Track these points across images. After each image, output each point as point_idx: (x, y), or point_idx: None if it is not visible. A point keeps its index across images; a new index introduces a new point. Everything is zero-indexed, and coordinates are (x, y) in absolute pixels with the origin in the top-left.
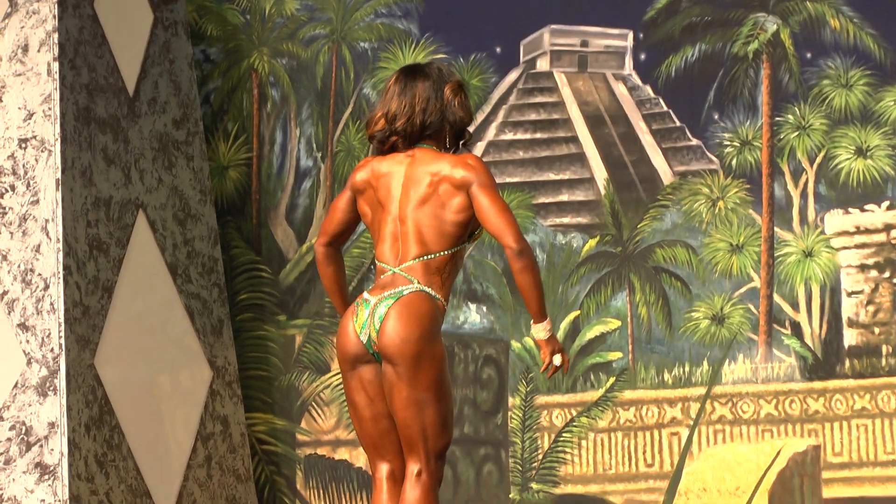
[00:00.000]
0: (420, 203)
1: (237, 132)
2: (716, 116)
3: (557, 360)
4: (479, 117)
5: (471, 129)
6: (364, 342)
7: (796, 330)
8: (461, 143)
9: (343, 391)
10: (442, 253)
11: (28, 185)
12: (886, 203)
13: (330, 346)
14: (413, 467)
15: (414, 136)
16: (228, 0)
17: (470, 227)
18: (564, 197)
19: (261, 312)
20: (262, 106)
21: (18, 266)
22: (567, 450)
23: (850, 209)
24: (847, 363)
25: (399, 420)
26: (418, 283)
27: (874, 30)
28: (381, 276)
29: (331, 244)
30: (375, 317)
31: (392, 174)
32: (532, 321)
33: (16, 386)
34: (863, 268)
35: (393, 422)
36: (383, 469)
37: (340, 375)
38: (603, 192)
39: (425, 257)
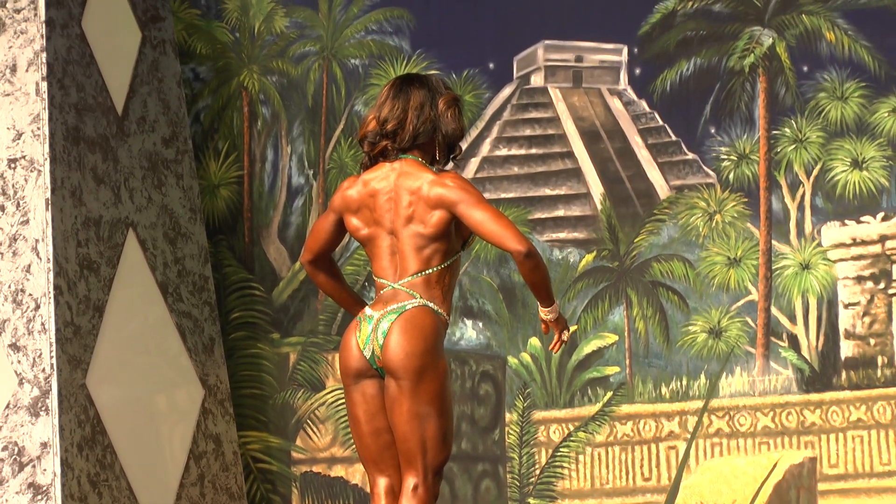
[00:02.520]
0: (406, 221)
1: (228, 150)
2: (712, 130)
3: (566, 335)
4: (473, 133)
5: (463, 145)
6: (367, 357)
7: (793, 342)
8: (452, 157)
9: (338, 408)
10: (439, 267)
11: (18, 206)
12: (882, 214)
13: (325, 364)
14: (410, 481)
15: (403, 143)
16: (218, 18)
17: (454, 240)
18: (561, 212)
19: (254, 331)
20: (253, 124)
21: (9, 286)
22: (564, 465)
23: (846, 221)
24: (844, 375)
25: (399, 434)
26: (420, 297)
27: (869, 42)
28: (382, 292)
29: (315, 260)
30: (378, 332)
31: (382, 189)
32: (541, 306)
33: (8, 406)
34: (859, 279)
35: (393, 437)
36: (382, 484)
37: (338, 392)
38: (599, 207)
39: (425, 272)
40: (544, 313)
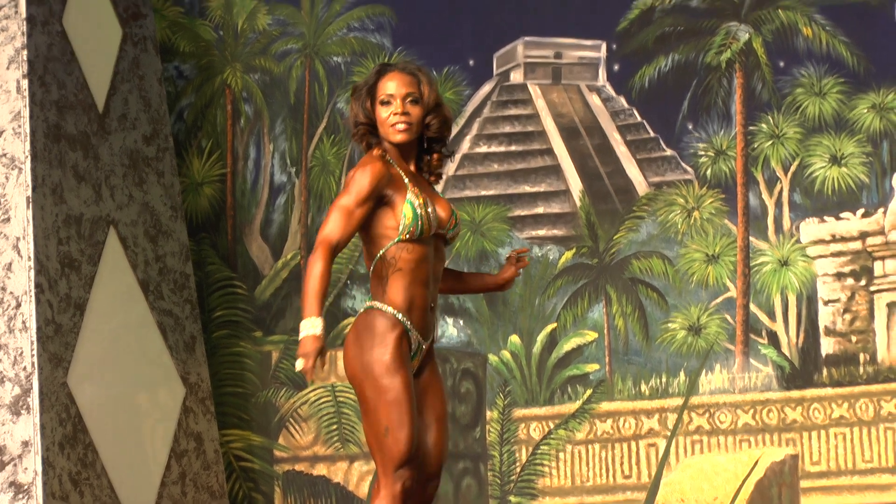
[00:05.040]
0: None
1: (211, 148)
2: (690, 126)
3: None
4: (454, 130)
5: (354, 134)
6: None
7: (773, 339)
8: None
9: (321, 407)
10: (375, 260)
11: None
12: (861, 211)
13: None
14: (377, 481)
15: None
16: (201, 16)
17: (377, 229)
18: (540, 209)
19: (236, 329)
20: (236, 121)
21: None
22: (545, 462)
23: (825, 217)
24: (824, 372)
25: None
26: (370, 297)
27: (847, 37)
28: None
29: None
30: None
31: None
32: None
33: None
34: (839, 276)
35: None
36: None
37: (320, 391)
38: (578, 203)
39: (370, 269)
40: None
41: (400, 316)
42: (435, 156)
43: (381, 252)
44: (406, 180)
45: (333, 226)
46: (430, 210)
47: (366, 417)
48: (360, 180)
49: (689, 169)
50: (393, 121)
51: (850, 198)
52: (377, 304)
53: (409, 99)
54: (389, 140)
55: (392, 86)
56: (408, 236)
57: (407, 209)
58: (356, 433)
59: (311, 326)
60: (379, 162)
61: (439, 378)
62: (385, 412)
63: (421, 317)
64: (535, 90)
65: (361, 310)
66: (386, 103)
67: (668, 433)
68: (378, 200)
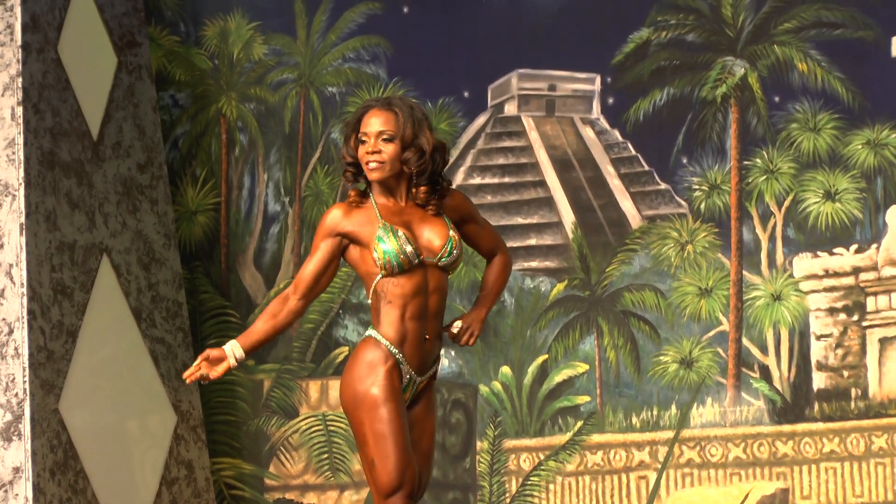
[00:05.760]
0: None
1: (206, 177)
2: (684, 160)
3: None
4: (449, 161)
5: (344, 173)
6: None
7: (765, 373)
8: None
9: (312, 436)
10: (371, 294)
11: None
12: (855, 246)
13: (298, 391)
14: None
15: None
16: (197, 45)
17: (363, 266)
18: (532, 241)
19: None
20: (231, 150)
21: None
22: (535, 493)
23: (818, 252)
24: (816, 406)
25: None
26: (370, 326)
27: (842, 73)
28: None
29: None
30: None
31: None
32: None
33: None
34: (832, 311)
35: None
36: None
37: (311, 419)
38: (571, 236)
39: (370, 301)
40: None
41: (392, 348)
42: (422, 189)
43: (372, 285)
44: (379, 217)
45: (301, 269)
46: (405, 243)
47: (358, 447)
48: (321, 224)
49: (682, 202)
50: (366, 159)
51: (844, 233)
52: (374, 333)
53: (382, 137)
54: (367, 178)
55: (368, 123)
56: (386, 271)
57: (377, 245)
58: (347, 462)
59: (227, 344)
60: (339, 206)
61: (433, 414)
62: (373, 444)
63: (415, 350)
64: (528, 122)
65: (362, 338)
66: (363, 142)
67: (659, 466)
68: (347, 240)
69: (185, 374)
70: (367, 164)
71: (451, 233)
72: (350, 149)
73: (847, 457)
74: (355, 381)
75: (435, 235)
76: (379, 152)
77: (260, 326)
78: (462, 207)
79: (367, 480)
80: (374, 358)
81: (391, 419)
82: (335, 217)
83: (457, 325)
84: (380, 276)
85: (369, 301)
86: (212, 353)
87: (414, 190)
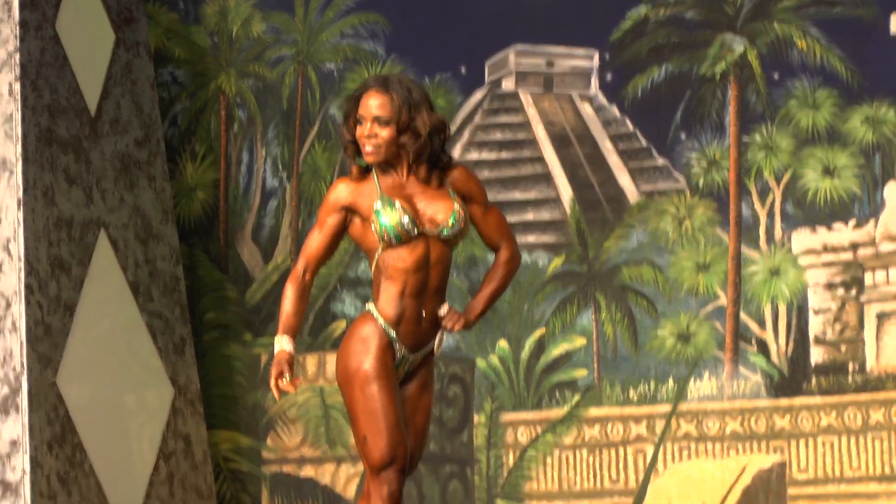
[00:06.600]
0: None
1: (205, 153)
2: (683, 136)
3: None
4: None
5: (344, 150)
6: None
7: (762, 348)
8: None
9: (309, 409)
10: (373, 268)
11: None
12: (853, 222)
13: (295, 365)
14: (366, 483)
15: None
16: (196, 22)
17: (363, 241)
18: (530, 216)
19: (227, 332)
20: (230, 127)
21: None
22: (532, 467)
23: (817, 228)
24: (813, 380)
25: None
26: (370, 300)
27: (841, 51)
28: None
29: None
30: None
31: None
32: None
33: None
34: (830, 286)
35: None
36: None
37: (308, 394)
38: (569, 211)
39: (372, 276)
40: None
41: (387, 327)
42: (422, 167)
43: (374, 261)
44: (379, 190)
45: (305, 245)
46: (402, 214)
47: (350, 422)
48: (326, 199)
49: (680, 178)
50: (363, 142)
51: (842, 209)
52: (372, 309)
53: (379, 121)
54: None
55: (365, 106)
56: (384, 242)
57: (374, 218)
58: (343, 435)
59: (276, 343)
60: (343, 180)
61: (428, 391)
62: (364, 420)
63: (410, 328)
64: (526, 98)
65: (361, 312)
66: (360, 123)
67: (656, 439)
68: (350, 214)
69: (278, 395)
70: (363, 146)
71: (456, 206)
72: (349, 128)
73: (844, 431)
74: (349, 357)
75: (438, 208)
76: (375, 136)
77: (295, 309)
78: (461, 184)
79: (360, 455)
80: (369, 334)
81: (382, 396)
82: (339, 191)
83: (446, 307)
84: (381, 249)
85: (372, 274)
86: (280, 360)
87: (415, 167)
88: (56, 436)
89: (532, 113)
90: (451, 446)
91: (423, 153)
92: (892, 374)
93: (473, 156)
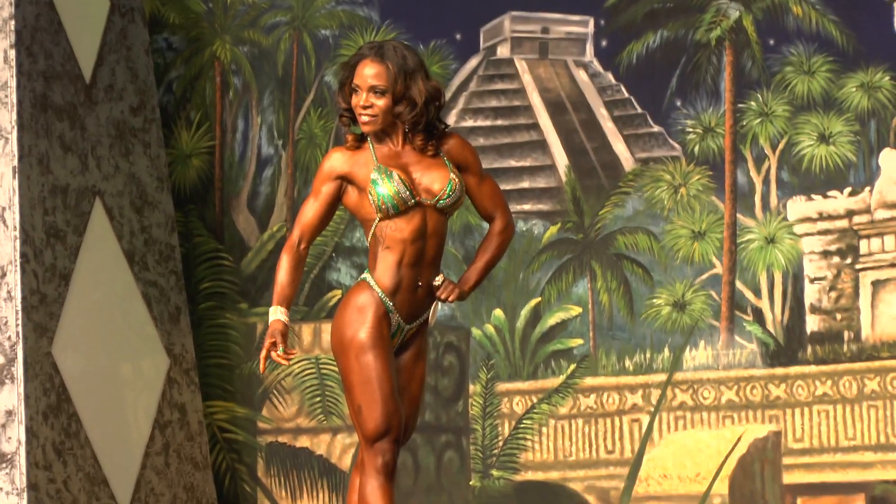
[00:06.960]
0: None
1: (200, 120)
2: (678, 103)
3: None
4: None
5: (340, 118)
6: None
7: (758, 316)
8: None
9: (304, 379)
10: (370, 238)
11: None
12: (849, 189)
13: (291, 334)
14: (360, 453)
15: None
16: None
17: (359, 210)
18: (526, 184)
19: (222, 301)
20: (225, 94)
21: None
22: (528, 436)
23: (812, 196)
24: (809, 349)
25: None
26: (366, 269)
27: (836, 17)
28: None
29: None
30: None
31: None
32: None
33: None
34: (825, 254)
35: None
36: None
37: (304, 363)
38: (564, 179)
39: (369, 245)
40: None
41: (383, 296)
42: (418, 136)
43: (371, 231)
44: (375, 159)
45: (300, 214)
46: (399, 185)
47: (345, 392)
48: (320, 168)
49: (676, 145)
50: (358, 111)
51: (838, 176)
52: (368, 278)
53: (374, 90)
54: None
55: (360, 75)
56: (382, 213)
57: (371, 188)
58: (339, 405)
59: (271, 314)
60: (338, 149)
61: (423, 360)
62: (359, 390)
63: (406, 298)
64: (521, 65)
65: (357, 281)
66: (355, 92)
67: (652, 409)
68: (346, 183)
69: (263, 368)
70: (359, 116)
71: (452, 175)
72: (345, 96)
73: (839, 399)
74: (344, 325)
75: (434, 177)
76: (371, 106)
77: (290, 280)
78: (456, 153)
79: (354, 425)
80: (365, 303)
81: (377, 365)
82: (334, 160)
83: (441, 278)
84: (378, 219)
85: (368, 244)
86: (274, 331)
87: (411, 136)
88: (51, 405)
89: (527, 80)
90: (446, 416)
91: (420, 122)
92: (887, 342)
93: (468, 123)
